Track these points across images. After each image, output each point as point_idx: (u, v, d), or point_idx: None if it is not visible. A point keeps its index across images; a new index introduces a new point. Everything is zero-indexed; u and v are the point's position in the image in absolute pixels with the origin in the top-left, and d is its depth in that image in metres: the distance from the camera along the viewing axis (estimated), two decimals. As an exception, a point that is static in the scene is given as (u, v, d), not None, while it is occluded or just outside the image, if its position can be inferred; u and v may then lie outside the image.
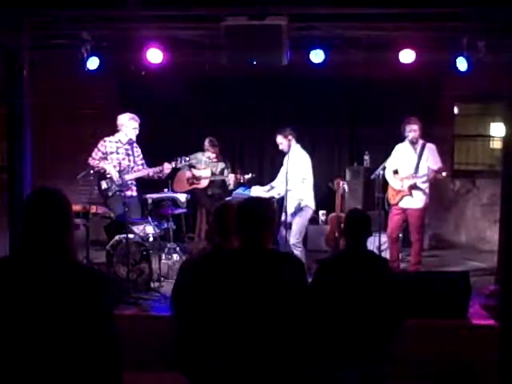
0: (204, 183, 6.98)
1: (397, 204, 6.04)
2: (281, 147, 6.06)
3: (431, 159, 5.95)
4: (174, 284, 3.05)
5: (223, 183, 7.01)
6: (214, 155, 7.04)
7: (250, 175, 6.71)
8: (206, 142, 7.06)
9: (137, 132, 6.09)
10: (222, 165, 7.12)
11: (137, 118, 6.10)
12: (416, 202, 5.98)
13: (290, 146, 5.99)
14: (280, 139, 6.05)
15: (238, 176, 6.77)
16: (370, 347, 3.21)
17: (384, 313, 3.21)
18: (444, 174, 5.90)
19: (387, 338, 3.26)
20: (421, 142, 6.00)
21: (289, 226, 5.94)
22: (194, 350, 2.59)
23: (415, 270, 5.98)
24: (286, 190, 5.82)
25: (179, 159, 6.21)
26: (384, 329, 3.22)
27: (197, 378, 2.61)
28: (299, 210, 5.97)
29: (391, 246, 6.17)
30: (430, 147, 6.00)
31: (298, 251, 5.87)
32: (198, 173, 7.02)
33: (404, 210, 6.04)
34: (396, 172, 6.13)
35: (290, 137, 6.01)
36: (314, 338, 2.60)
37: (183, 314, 2.82)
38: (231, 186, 6.86)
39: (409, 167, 5.99)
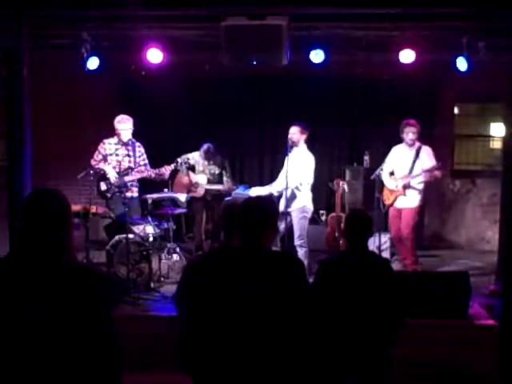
0: (201, 192, 6.94)
1: (392, 204, 6.07)
2: (290, 137, 5.89)
3: (426, 160, 5.95)
4: (179, 282, 3.05)
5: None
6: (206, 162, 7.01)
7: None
8: (202, 151, 6.97)
9: (131, 131, 6.06)
10: (219, 167, 7.09)
11: (126, 117, 6.05)
12: (410, 201, 6.00)
13: (298, 143, 5.94)
14: (294, 130, 5.94)
15: (235, 188, 6.74)
16: (371, 347, 3.21)
17: (384, 313, 3.21)
18: (439, 171, 5.89)
19: (387, 338, 3.26)
20: (417, 144, 6.01)
21: (289, 225, 5.93)
22: (197, 348, 2.60)
23: (413, 270, 5.98)
24: (289, 191, 5.81)
25: (179, 161, 6.19)
26: (384, 329, 3.22)
27: (200, 377, 2.61)
28: (299, 211, 5.96)
29: (399, 246, 6.19)
30: (426, 149, 6.01)
31: (303, 251, 5.90)
32: (194, 178, 6.97)
33: (400, 211, 6.07)
34: (392, 174, 6.15)
35: (304, 135, 5.97)
36: (314, 337, 2.60)
37: (186, 313, 2.82)
38: (224, 192, 6.82)
39: (404, 168, 6.01)
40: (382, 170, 6.02)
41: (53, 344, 1.94)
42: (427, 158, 5.97)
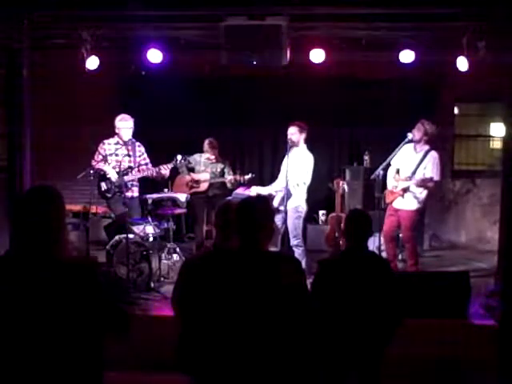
0: (204, 187, 6.93)
1: (391, 203, 6.04)
2: (289, 138, 5.88)
3: (429, 167, 5.85)
4: (175, 283, 3.05)
5: (223, 184, 6.98)
6: (213, 156, 7.01)
7: (249, 175, 6.69)
8: (206, 144, 7.02)
9: (131, 130, 6.06)
10: (221, 165, 7.09)
11: (127, 117, 6.05)
12: (407, 203, 5.91)
13: (297, 143, 5.93)
14: (293, 130, 5.93)
15: (238, 177, 6.74)
16: (370, 347, 3.21)
17: (384, 313, 3.21)
18: (430, 184, 5.83)
19: (386, 337, 3.26)
20: (426, 147, 5.89)
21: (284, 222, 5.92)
22: (197, 349, 2.60)
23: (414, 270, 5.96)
24: (286, 190, 5.81)
25: (178, 158, 6.18)
26: (383, 329, 3.22)
27: (199, 378, 2.61)
28: (293, 210, 5.96)
29: (386, 245, 6.13)
30: (433, 155, 5.87)
31: (299, 250, 5.91)
32: (196, 176, 6.98)
33: (397, 211, 6.01)
34: (398, 172, 6.10)
35: (303, 134, 5.96)
36: (313, 336, 2.60)
37: (184, 314, 2.83)
38: (229, 185, 6.83)
39: (407, 169, 5.95)
40: (383, 169, 5.98)
41: (53, 342, 1.95)
42: (430, 166, 5.83)
